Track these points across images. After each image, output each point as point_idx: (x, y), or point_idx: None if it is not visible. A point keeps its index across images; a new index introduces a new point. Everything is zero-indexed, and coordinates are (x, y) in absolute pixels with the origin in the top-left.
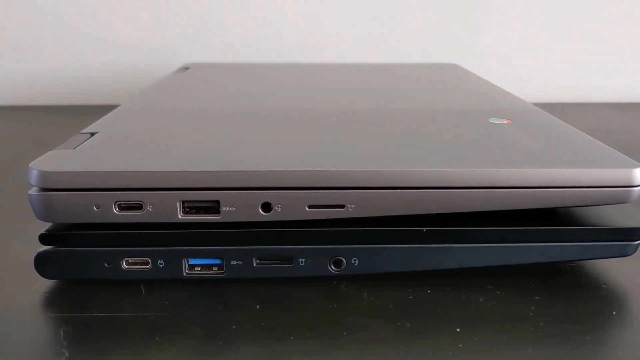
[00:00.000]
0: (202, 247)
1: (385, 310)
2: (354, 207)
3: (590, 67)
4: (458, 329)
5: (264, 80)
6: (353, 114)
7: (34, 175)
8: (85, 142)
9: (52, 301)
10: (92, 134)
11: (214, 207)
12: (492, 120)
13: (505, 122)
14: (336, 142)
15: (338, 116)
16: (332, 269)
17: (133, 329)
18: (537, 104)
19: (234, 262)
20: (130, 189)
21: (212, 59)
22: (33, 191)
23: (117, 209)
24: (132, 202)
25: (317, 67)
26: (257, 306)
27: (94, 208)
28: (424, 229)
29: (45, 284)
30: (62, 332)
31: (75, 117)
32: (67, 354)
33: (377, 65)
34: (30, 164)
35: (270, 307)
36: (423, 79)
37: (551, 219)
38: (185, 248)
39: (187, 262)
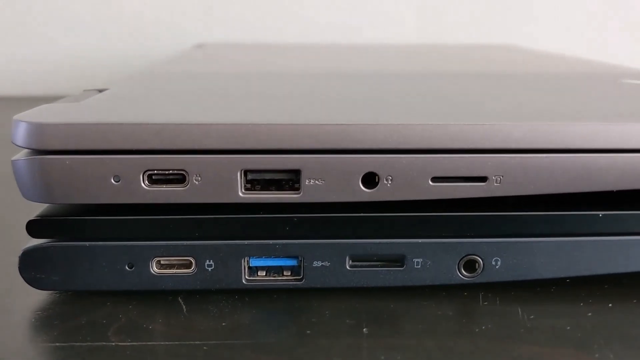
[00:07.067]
0: (271, 241)
1: (563, 334)
2: (502, 180)
3: None
4: None
5: (303, 54)
6: (460, 76)
7: (21, 130)
8: (94, 97)
9: (49, 324)
10: (101, 91)
11: (291, 179)
12: (624, 80)
13: None
14: (461, 98)
15: (444, 78)
16: (463, 274)
17: None
18: None
19: (317, 264)
20: (168, 151)
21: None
22: (20, 156)
23: (147, 182)
24: (171, 172)
25: (380, 47)
26: (365, 330)
27: (112, 181)
28: (601, 213)
29: (37, 298)
30: None
31: None
32: None
33: (429, 44)
34: (16, 116)
35: (383, 331)
36: (500, 53)
37: None
38: (246, 242)
39: (248, 263)
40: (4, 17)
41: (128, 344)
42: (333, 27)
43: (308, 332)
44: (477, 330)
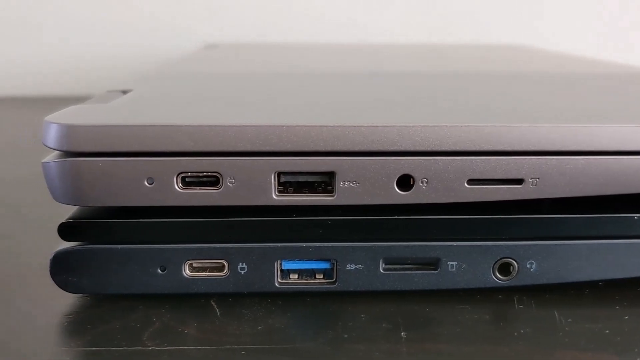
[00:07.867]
0: (304, 244)
1: (603, 338)
2: (538, 182)
3: None
4: None
5: (322, 54)
6: (487, 76)
7: (53, 132)
8: (120, 98)
9: (82, 328)
10: (125, 92)
11: (325, 182)
12: None
13: None
14: (493, 100)
15: (472, 78)
16: (498, 277)
17: None
18: None
19: (350, 267)
20: (203, 153)
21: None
22: (51, 158)
23: (181, 185)
24: (205, 174)
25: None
26: (403, 334)
27: (145, 183)
28: (636, 215)
29: (68, 302)
30: None
31: None
32: None
33: (448, 44)
34: (47, 118)
35: (421, 335)
36: (521, 53)
37: None
38: (279, 245)
39: (281, 265)
40: (12, 17)
41: (165, 348)
42: (340, 26)
43: (345, 336)
44: (515, 334)
